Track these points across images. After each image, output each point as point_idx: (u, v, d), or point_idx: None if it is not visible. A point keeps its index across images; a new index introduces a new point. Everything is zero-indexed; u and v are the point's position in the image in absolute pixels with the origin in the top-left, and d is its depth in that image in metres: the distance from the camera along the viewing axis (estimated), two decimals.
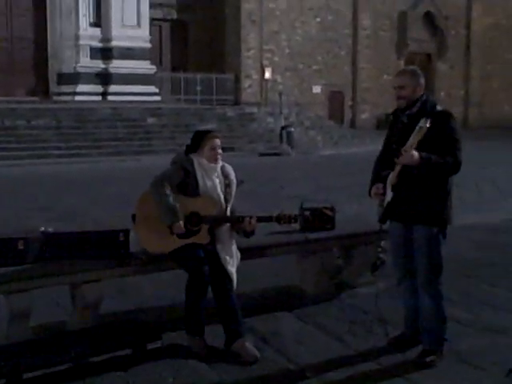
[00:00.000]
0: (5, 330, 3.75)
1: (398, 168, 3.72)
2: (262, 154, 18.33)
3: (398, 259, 4.08)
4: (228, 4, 25.82)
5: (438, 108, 3.84)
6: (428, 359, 3.79)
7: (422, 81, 3.92)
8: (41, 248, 3.85)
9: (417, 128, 3.64)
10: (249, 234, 4.06)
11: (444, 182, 3.79)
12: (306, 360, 3.84)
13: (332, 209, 4.96)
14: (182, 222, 3.90)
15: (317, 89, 27.99)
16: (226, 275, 3.96)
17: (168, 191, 3.91)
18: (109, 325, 4.04)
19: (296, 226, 4.72)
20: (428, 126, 3.58)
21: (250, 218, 3.98)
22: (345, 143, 21.24)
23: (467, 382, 3.62)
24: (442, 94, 30.85)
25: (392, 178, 3.78)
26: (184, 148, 4.22)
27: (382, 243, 5.15)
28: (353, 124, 28.52)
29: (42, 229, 3.96)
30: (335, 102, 28.62)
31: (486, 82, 32.13)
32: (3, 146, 16.11)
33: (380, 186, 3.89)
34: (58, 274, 3.85)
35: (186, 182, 4.01)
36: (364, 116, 29.09)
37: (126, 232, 4.06)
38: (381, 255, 5.17)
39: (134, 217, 4.05)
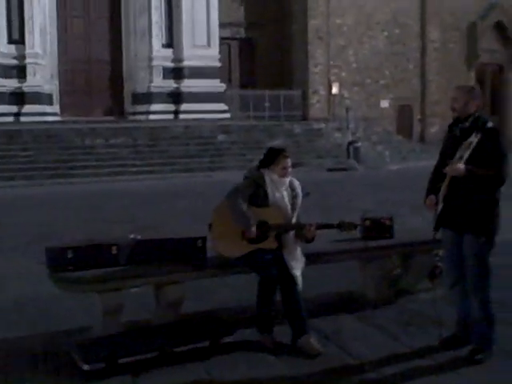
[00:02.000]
0: (100, 323, 4.31)
1: (447, 180, 4.09)
2: (329, 169, 18.66)
3: (450, 265, 4.41)
4: (295, 21, 26.33)
5: (489, 125, 4.17)
6: (477, 357, 4.10)
7: (477, 98, 4.25)
8: (131, 252, 4.42)
9: (466, 142, 4.02)
10: (309, 240, 4.50)
11: (491, 194, 4.10)
12: (364, 356, 4.23)
13: (391, 219, 5.34)
14: (254, 227, 4.37)
15: (385, 103, 28.01)
16: (292, 278, 4.40)
17: (241, 201, 4.39)
18: (189, 321, 4.55)
19: (357, 234, 5.13)
20: (477, 140, 3.95)
21: (310, 225, 4.42)
22: (413, 157, 21.27)
23: None
24: None
25: (442, 189, 4.15)
26: (255, 164, 4.72)
27: (440, 252, 5.47)
28: (422, 138, 28.34)
29: (132, 236, 4.53)
30: (404, 116, 28.53)
31: None
32: (84, 164, 17.10)
33: (433, 197, 4.25)
34: (146, 276, 4.40)
35: (256, 194, 4.48)
36: (433, 129, 28.86)
37: (204, 239, 4.59)
38: (439, 264, 5.51)
39: (210, 226, 4.56)
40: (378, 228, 5.20)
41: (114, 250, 4.35)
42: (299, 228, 4.46)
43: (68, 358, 4.08)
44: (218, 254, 4.55)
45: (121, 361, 3.92)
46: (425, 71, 28.57)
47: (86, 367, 3.87)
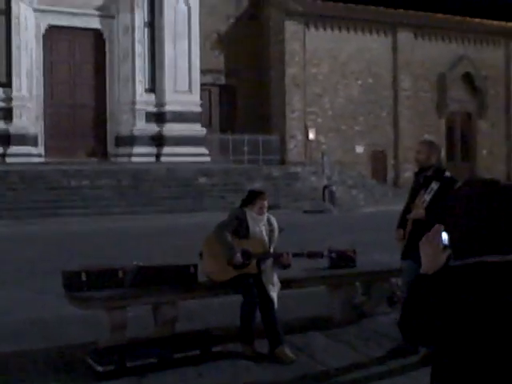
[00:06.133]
0: (108, 337, 5.07)
1: (410, 220, 5.01)
2: (305, 211, 19.52)
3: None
4: (273, 69, 27.55)
5: (447, 174, 5.09)
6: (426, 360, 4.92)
7: (437, 152, 5.17)
8: (134, 276, 5.20)
9: (428, 189, 4.94)
10: (286, 266, 5.35)
11: None
12: (331, 364, 5.04)
13: (354, 251, 6.21)
14: (239, 254, 5.19)
15: (359, 149, 29.05)
16: (270, 299, 5.23)
17: (227, 233, 5.23)
18: (182, 334, 5.32)
19: (325, 264, 6.00)
20: (436, 188, 4.86)
21: (287, 253, 5.28)
22: (386, 201, 22.19)
23: None
24: (484, 151, 31.57)
25: (407, 226, 5.04)
26: (237, 204, 5.59)
27: (399, 281, 6.34)
28: (396, 182, 29.39)
29: (135, 262, 5.33)
30: (378, 161, 29.53)
31: None
32: (70, 205, 17.80)
33: (401, 231, 5.15)
34: (146, 296, 5.18)
35: (239, 228, 5.34)
36: (407, 174, 29.83)
37: (195, 266, 5.42)
38: (397, 292, 6.39)
39: (201, 254, 5.39)
40: (343, 258, 6.07)
41: (121, 274, 5.15)
42: (276, 256, 5.31)
43: (82, 362, 4.83)
44: (208, 278, 5.37)
45: (128, 364, 4.69)
46: (397, 118, 29.81)
47: (99, 369, 4.62)
